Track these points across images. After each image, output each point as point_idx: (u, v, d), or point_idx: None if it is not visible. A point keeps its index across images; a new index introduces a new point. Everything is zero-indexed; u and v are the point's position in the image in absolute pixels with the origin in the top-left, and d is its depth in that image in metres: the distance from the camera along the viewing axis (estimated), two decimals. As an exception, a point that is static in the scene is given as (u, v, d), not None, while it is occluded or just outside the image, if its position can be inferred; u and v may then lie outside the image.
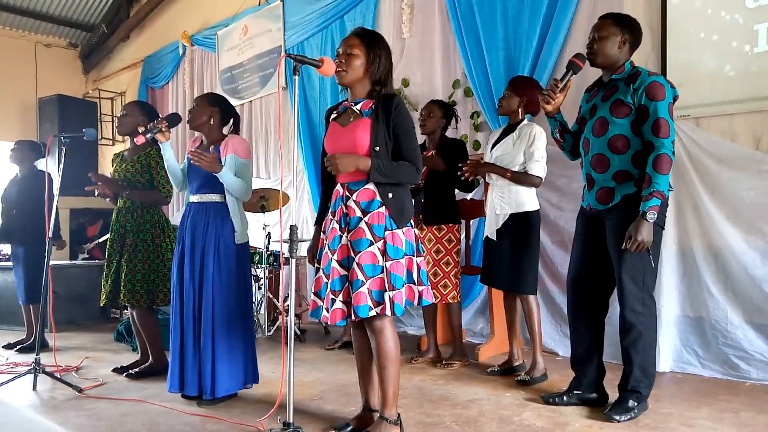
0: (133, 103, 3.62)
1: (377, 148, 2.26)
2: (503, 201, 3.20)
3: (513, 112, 3.27)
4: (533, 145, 3.13)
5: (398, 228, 2.26)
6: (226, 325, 2.83)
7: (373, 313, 2.20)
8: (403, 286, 2.25)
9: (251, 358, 2.97)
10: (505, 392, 3.00)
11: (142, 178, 3.40)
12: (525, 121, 3.26)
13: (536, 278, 3.25)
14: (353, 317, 2.23)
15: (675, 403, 2.76)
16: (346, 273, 2.27)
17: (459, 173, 3.31)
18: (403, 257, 2.26)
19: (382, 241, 2.24)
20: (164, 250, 3.39)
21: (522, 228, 3.17)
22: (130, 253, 3.36)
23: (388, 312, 2.20)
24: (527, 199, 3.18)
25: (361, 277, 2.20)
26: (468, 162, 3.31)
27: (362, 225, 2.25)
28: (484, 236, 3.37)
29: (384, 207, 2.26)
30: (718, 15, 3.30)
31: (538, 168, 3.14)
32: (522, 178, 3.14)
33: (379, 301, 2.21)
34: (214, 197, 2.92)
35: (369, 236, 2.23)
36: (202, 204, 2.94)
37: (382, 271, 2.23)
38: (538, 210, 3.22)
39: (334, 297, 2.27)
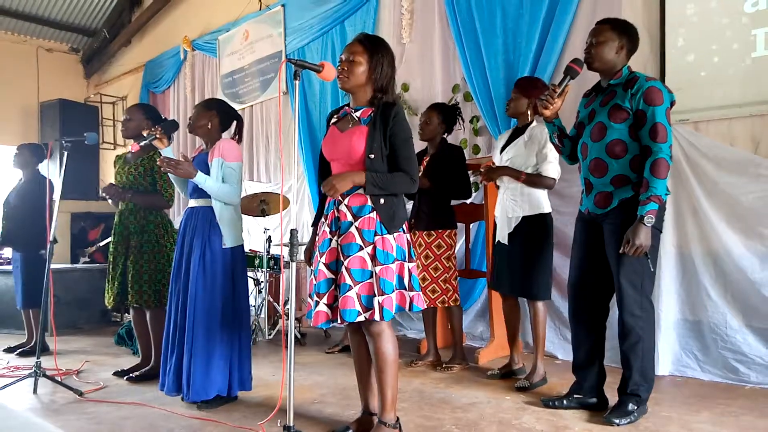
0: (136, 107, 3.63)
1: (372, 156, 2.26)
2: (516, 203, 3.17)
3: (522, 113, 3.25)
4: (546, 147, 3.10)
5: (389, 233, 2.26)
6: (205, 331, 2.80)
7: (361, 317, 2.21)
8: (394, 291, 2.25)
9: (238, 364, 2.91)
10: (504, 395, 3.00)
11: (145, 181, 3.42)
12: (534, 123, 3.22)
13: (549, 283, 3.17)
14: (339, 321, 2.24)
15: (674, 407, 2.76)
16: (333, 276, 2.29)
17: (473, 174, 3.29)
18: (393, 262, 2.26)
19: (372, 246, 2.24)
20: (168, 251, 3.41)
21: (535, 231, 3.12)
22: (136, 254, 3.38)
23: (377, 317, 2.20)
24: (540, 202, 3.14)
25: (348, 281, 2.21)
26: (481, 168, 3.28)
27: (352, 230, 2.26)
28: (496, 241, 3.31)
29: (375, 212, 2.26)
30: (717, 19, 3.32)
31: (552, 169, 3.11)
32: (536, 180, 3.12)
33: (368, 306, 2.21)
34: (202, 202, 2.92)
35: (359, 241, 2.24)
36: (194, 209, 2.95)
37: (371, 276, 2.23)
38: (550, 213, 3.18)
39: (318, 299, 2.29)
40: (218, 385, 2.84)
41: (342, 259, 2.25)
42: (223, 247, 2.88)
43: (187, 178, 2.84)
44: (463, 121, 3.80)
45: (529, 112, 3.23)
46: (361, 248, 2.23)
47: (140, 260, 3.37)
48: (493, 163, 3.34)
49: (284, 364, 2.27)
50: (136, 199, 3.42)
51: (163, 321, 3.43)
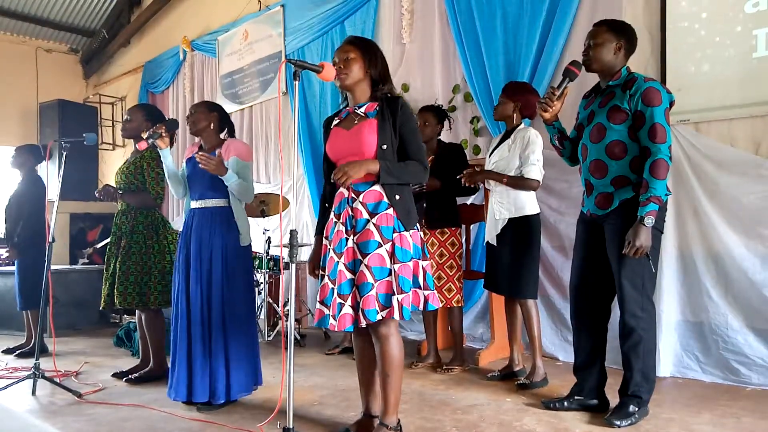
0: (137, 108, 3.63)
1: (384, 147, 2.27)
2: (502, 206, 3.22)
3: (508, 117, 3.30)
4: (528, 149, 3.15)
5: (406, 230, 2.27)
6: (237, 328, 2.87)
7: (379, 317, 2.19)
8: (410, 289, 2.24)
9: (257, 359, 3.02)
10: (505, 397, 2.99)
11: (136, 180, 3.42)
12: (522, 126, 3.28)
13: (536, 283, 3.25)
14: (363, 321, 2.20)
15: (676, 409, 2.75)
16: (353, 276, 2.25)
17: (458, 176, 3.33)
18: (410, 260, 2.25)
19: (390, 243, 2.23)
20: (156, 252, 3.39)
21: (521, 232, 3.18)
22: (123, 255, 3.37)
23: (396, 315, 2.18)
24: (526, 204, 3.19)
25: (370, 279, 2.19)
26: (465, 171, 3.32)
27: (370, 227, 2.24)
28: (485, 241, 3.38)
29: (392, 208, 2.26)
30: (718, 20, 3.31)
31: (534, 171, 3.16)
32: (519, 182, 3.16)
33: (386, 305, 2.20)
34: (218, 202, 2.97)
35: (377, 238, 2.22)
36: (206, 210, 2.97)
37: (390, 274, 2.21)
38: (538, 214, 3.24)
39: (342, 301, 2.24)
40: (252, 381, 2.95)
41: (360, 257, 2.23)
42: (242, 245, 2.97)
43: (218, 175, 2.85)
44: (451, 125, 3.84)
45: (515, 116, 3.29)
46: (379, 245, 2.22)
47: (127, 261, 3.36)
48: (478, 166, 3.38)
49: (284, 365, 2.26)
50: (126, 198, 3.43)
51: (158, 324, 3.44)
